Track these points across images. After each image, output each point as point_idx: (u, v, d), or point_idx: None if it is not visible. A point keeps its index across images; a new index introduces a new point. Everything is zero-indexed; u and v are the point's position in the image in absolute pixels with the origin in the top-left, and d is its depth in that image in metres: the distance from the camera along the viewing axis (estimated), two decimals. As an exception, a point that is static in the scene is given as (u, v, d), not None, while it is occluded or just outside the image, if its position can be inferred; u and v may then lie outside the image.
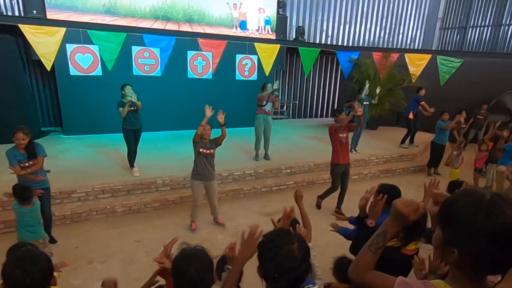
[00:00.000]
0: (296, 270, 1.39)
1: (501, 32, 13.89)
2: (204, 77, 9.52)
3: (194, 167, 4.97)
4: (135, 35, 8.49)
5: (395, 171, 8.24)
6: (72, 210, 5.24)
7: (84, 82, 8.32)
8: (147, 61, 8.87)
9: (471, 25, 14.84)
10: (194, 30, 9.49)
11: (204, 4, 9.60)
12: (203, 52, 9.30)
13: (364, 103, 8.35)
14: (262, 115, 7.30)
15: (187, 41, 9.09)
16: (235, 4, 10.27)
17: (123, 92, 5.97)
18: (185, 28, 9.42)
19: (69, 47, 8.02)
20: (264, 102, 7.22)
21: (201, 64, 9.41)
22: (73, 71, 8.17)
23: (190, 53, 9.22)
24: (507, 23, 13.67)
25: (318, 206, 6.13)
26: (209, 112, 4.72)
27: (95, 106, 8.45)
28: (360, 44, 14.27)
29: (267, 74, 9.80)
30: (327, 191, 6.00)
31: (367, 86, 8.49)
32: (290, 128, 10.46)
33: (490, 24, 14.26)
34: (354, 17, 14.04)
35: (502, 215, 0.93)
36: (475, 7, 14.63)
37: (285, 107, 12.25)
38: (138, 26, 8.78)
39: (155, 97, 8.87)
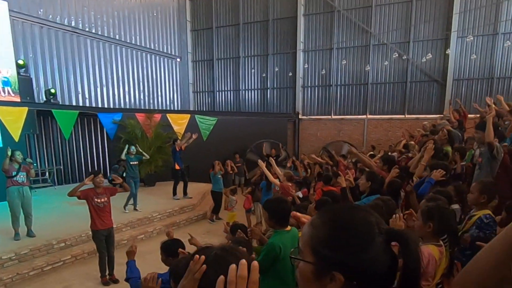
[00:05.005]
0: None
1: (240, 95, 17.70)
2: None
3: None
4: None
5: (180, 223, 8.72)
6: None
7: None
8: None
9: (217, 89, 18.21)
10: None
11: None
12: None
13: (132, 163, 8.68)
14: (16, 187, 6.47)
15: None
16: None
17: None
18: None
19: None
20: (14, 173, 6.44)
21: None
22: None
23: None
24: (243, 88, 17.59)
25: (106, 283, 5.75)
26: None
27: None
28: (122, 105, 14.77)
29: (16, 140, 8.65)
30: (99, 262, 5.75)
31: (126, 148, 8.84)
32: (57, 196, 9.49)
33: (231, 89, 17.95)
34: (110, 80, 14.54)
35: (227, 266, 1.07)
36: (217, 76, 18.11)
37: (47, 173, 10.96)
38: None
39: None
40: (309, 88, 16.31)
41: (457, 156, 4.98)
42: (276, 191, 6.21)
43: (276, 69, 16.74)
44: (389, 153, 9.43)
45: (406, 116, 14.56)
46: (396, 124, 14.68)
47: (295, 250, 0.95)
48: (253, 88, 17.50)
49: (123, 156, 8.81)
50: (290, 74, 16.33)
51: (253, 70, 17.34)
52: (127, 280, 2.94)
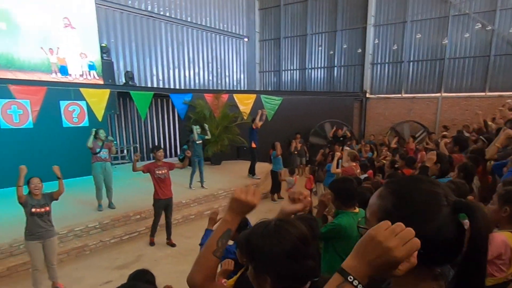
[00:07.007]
0: None
1: (306, 74, 17.53)
2: (23, 126, 8.67)
3: (26, 226, 4.56)
4: None
5: (243, 201, 9.18)
6: None
7: None
8: None
9: (283, 69, 18.20)
10: (3, 76, 8.69)
11: (11, 48, 8.97)
12: (18, 100, 8.54)
13: (197, 142, 9.18)
14: (99, 163, 7.22)
15: (-6, 88, 8.25)
16: (51, 49, 9.90)
17: None
18: (-10, 74, 8.55)
19: None
20: (98, 150, 7.20)
21: (17, 113, 8.58)
22: None
23: (1, 102, 8.35)
24: (309, 67, 17.39)
25: (152, 243, 6.58)
26: (24, 170, 4.49)
27: None
28: (192, 86, 15.48)
29: (100, 120, 9.61)
30: (152, 225, 6.58)
31: (195, 129, 9.28)
32: (133, 173, 10.34)
33: (297, 68, 17.82)
34: (182, 62, 15.26)
35: (288, 235, 1.12)
36: (283, 55, 18.03)
37: (125, 151, 12.12)
38: None
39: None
40: (378, 65, 15.60)
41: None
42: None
43: (345, 46, 16.23)
44: (464, 133, 8.88)
45: (487, 93, 13.35)
46: (474, 102, 13.53)
47: (362, 220, 0.99)
48: (319, 66, 17.17)
49: (197, 138, 9.13)
50: (359, 50, 15.73)
51: (320, 48, 16.98)
52: (200, 244, 3.20)
